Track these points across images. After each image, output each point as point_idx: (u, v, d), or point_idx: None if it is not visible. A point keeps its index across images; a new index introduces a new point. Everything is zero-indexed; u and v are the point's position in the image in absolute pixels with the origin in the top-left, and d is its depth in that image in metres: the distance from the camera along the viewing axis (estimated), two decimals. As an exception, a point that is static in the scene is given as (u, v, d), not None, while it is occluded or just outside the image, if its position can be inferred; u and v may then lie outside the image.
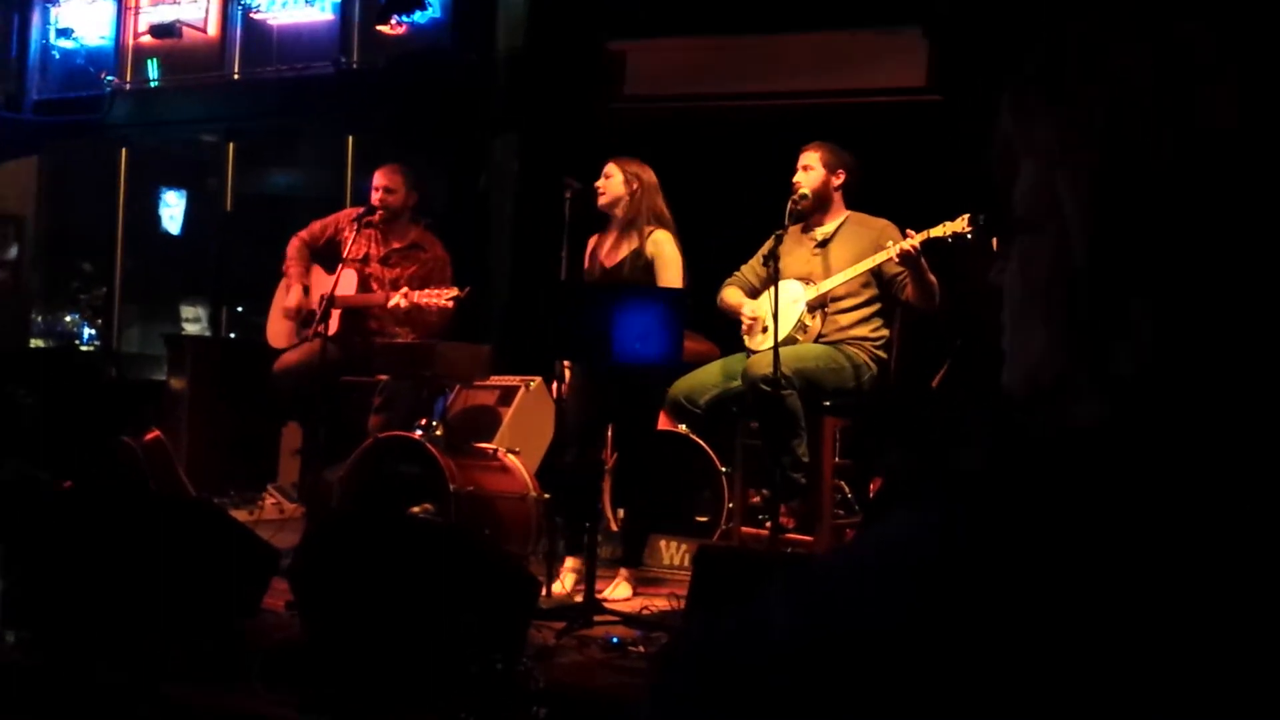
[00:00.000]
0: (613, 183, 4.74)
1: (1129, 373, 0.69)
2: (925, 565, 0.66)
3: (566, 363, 4.74)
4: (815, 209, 4.74)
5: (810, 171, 4.74)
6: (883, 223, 4.68)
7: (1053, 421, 0.72)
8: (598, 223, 4.92)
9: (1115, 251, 0.70)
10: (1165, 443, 0.67)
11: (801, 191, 4.64)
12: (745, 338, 4.77)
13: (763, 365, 4.35)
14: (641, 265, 4.67)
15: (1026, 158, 0.76)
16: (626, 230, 4.73)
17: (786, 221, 4.57)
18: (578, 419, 4.71)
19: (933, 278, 4.46)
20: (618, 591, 4.59)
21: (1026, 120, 0.76)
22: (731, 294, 4.90)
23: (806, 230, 4.80)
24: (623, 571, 4.68)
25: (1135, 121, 0.71)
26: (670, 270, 4.66)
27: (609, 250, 4.78)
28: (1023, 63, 0.76)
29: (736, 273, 4.97)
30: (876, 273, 4.61)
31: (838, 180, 4.76)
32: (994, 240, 4.09)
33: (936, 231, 4.35)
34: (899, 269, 4.51)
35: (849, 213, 4.79)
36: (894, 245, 4.43)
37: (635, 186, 4.72)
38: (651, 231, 4.70)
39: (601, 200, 4.74)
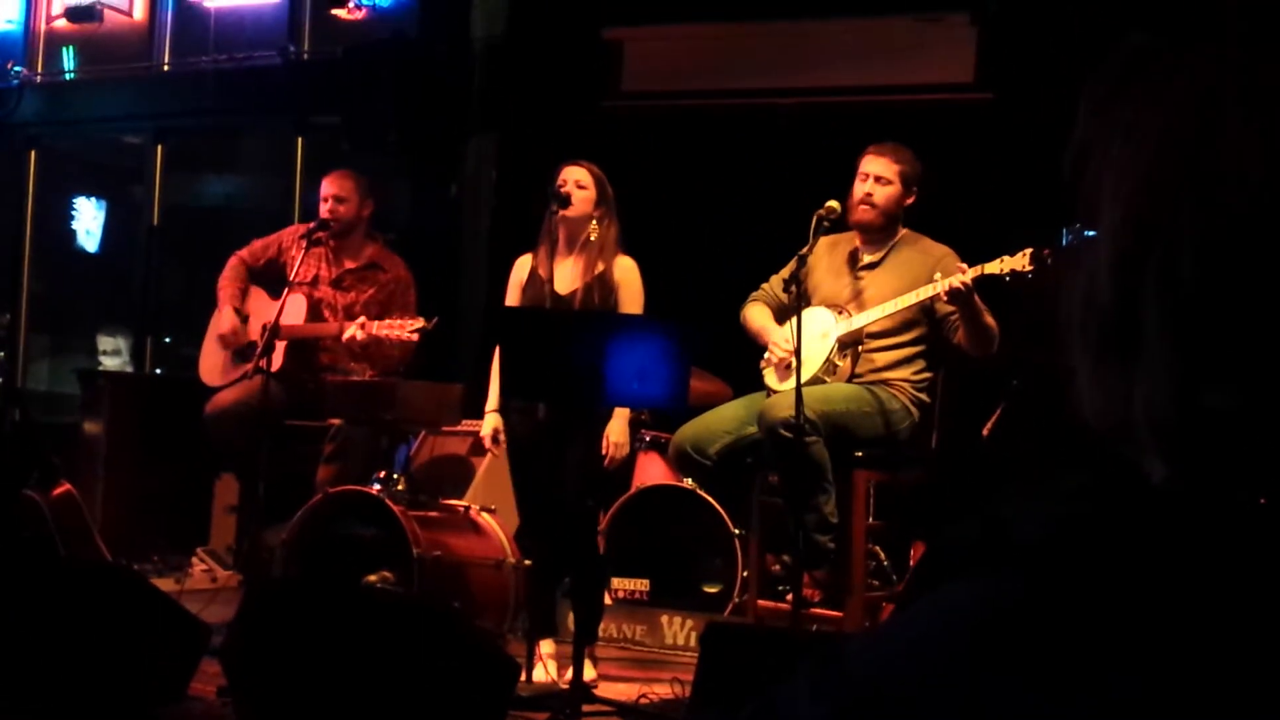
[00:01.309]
0: (587, 195, 4.66)
1: (1168, 420, 0.67)
2: (978, 649, 0.65)
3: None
4: (880, 229, 4.64)
5: (886, 186, 4.61)
6: (943, 250, 4.58)
7: (1122, 476, 0.71)
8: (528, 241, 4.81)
9: (1140, 269, 0.69)
10: (1235, 510, 0.66)
11: (830, 205, 4.48)
12: (764, 374, 4.72)
13: (782, 408, 4.32)
14: (607, 295, 4.64)
15: (1107, 170, 0.73)
16: (590, 253, 4.66)
17: (811, 239, 4.49)
18: (547, 473, 4.58)
19: (990, 320, 4.36)
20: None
21: (1109, 123, 0.74)
22: (757, 314, 4.81)
23: (854, 249, 4.71)
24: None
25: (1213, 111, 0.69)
26: (637, 305, 4.66)
27: (563, 274, 4.68)
28: (1111, 51, 0.75)
29: (764, 285, 4.89)
30: (927, 309, 4.52)
31: (910, 200, 4.66)
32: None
33: (992, 268, 4.25)
34: (951, 308, 4.42)
35: (905, 232, 4.69)
36: (942, 280, 4.34)
37: (606, 206, 4.68)
38: (618, 256, 4.70)
39: (570, 212, 4.61)
